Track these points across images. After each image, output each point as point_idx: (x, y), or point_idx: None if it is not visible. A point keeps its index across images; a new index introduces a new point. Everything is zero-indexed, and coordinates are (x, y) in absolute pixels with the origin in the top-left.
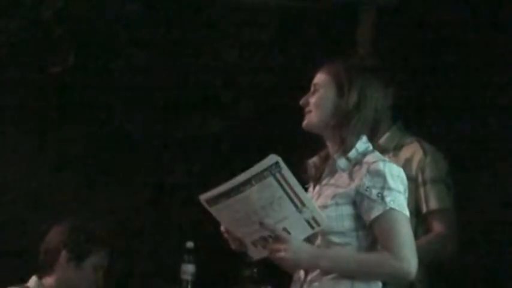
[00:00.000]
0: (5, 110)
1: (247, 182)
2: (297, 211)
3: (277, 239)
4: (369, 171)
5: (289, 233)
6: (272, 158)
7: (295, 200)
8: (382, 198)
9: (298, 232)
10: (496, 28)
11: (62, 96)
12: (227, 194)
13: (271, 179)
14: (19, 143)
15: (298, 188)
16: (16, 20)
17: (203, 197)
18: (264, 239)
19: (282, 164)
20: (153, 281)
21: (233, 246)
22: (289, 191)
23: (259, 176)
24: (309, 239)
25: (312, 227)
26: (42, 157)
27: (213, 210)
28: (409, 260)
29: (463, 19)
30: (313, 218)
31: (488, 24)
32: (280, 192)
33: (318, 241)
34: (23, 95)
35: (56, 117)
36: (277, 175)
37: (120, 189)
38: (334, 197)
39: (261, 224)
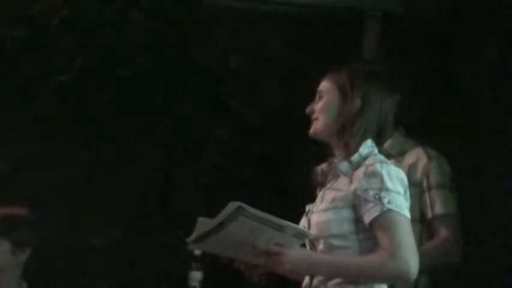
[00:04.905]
0: (9, 117)
1: (221, 225)
2: (280, 232)
3: (274, 254)
4: (366, 173)
5: (282, 245)
6: (232, 206)
7: (274, 225)
8: (380, 199)
9: (290, 244)
10: (501, 36)
11: (67, 104)
12: (207, 235)
13: (242, 218)
14: (22, 150)
15: (271, 218)
16: (22, 28)
17: (191, 245)
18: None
19: (244, 206)
20: None
21: (243, 268)
22: (264, 221)
23: (229, 219)
24: (312, 243)
25: (301, 239)
26: (45, 163)
27: (206, 247)
28: (406, 260)
29: (468, 26)
30: (299, 233)
31: (493, 32)
32: (257, 224)
33: (321, 245)
34: (28, 103)
35: (61, 124)
36: (246, 213)
37: (127, 194)
38: (333, 200)
39: (253, 247)
